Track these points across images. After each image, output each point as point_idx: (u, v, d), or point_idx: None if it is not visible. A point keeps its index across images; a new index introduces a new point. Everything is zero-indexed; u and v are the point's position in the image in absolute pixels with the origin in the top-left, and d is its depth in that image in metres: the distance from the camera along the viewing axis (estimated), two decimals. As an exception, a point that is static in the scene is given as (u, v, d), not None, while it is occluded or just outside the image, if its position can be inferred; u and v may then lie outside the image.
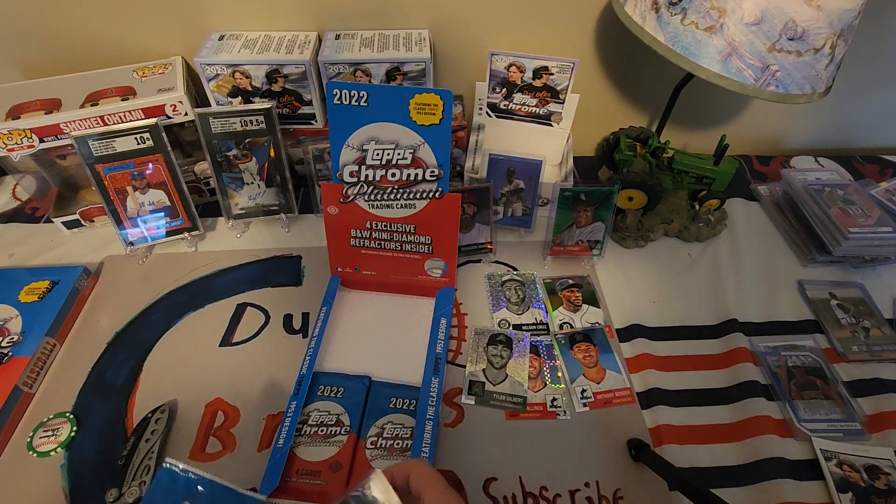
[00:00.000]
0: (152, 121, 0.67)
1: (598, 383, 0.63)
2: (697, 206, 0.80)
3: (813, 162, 0.99)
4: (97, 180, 0.68)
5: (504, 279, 0.75)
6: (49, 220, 0.79)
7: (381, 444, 0.56)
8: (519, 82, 0.77)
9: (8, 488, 0.54)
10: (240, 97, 0.75)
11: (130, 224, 0.73)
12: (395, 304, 0.70)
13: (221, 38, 0.75)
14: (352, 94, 0.56)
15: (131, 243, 0.74)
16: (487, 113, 0.82)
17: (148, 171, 0.70)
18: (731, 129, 0.95)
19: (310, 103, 0.76)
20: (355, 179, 0.62)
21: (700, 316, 0.71)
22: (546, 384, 0.63)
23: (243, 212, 0.78)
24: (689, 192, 0.83)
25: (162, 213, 0.74)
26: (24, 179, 0.78)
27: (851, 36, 0.60)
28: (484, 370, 0.64)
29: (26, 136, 0.67)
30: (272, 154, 0.74)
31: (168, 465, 0.45)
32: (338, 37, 0.76)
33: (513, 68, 0.76)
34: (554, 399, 0.62)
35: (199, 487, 0.45)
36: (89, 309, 0.70)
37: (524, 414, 0.60)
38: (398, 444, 0.56)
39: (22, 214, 0.83)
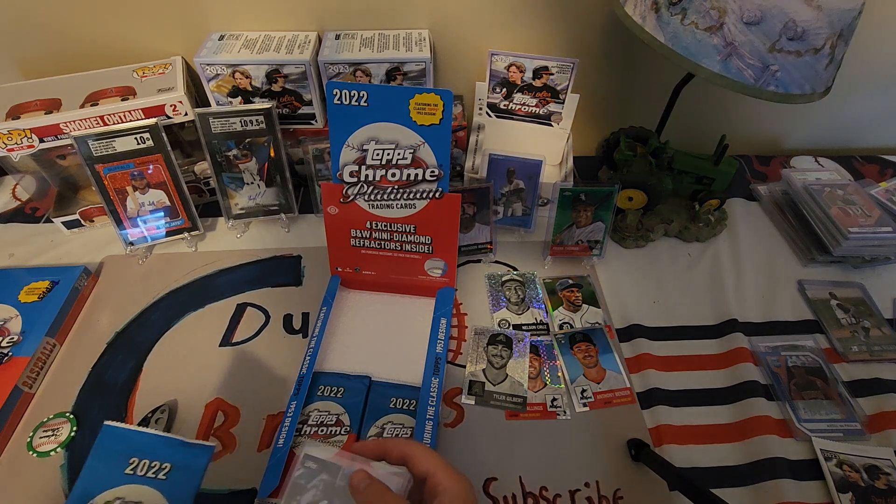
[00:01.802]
0: (152, 121, 0.67)
1: (598, 383, 0.63)
2: (697, 206, 0.80)
3: (813, 162, 0.99)
4: (97, 180, 0.68)
5: (504, 279, 0.75)
6: (49, 220, 0.80)
7: (381, 444, 0.56)
8: (519, 82, 0.77)
9: (8, 488, 0.54)
10: (240, 97, 0.75)
11: (130, 224, 0.73)
12: (395, 304, 0.70)
13: (221, 38, 0.75)
14: (352, 94, 0.56)
15: (131, 243, 0.74)
16: (487, 113, 0.82)
17: (149, 171, 0.70)
18: (731, 129, 0.95)
19: (310, 103, 0.76)
20: (355, 179, 0.62)
21: (700, 316, 0.71)
22: (546, 384, 0.63)
23: (243, 212, 0.78)
24: (689, 192, 0.83)
25: (162, 213, 0.74)
26: (24, 179, 0.78)
27: (851, 36, 0.60)
28: (484, 370, 0.64)
29: (26, 136, 0.67)
30: (272, 154, 0.74)
31: (109, 425, 0.44)
32: (338, 37, 0.76)
33: (513, 68, 0.76)
34: (554, 399, 0.62)
35: (143, 442, 0.44)
36: (89, 309, 0.70)
37: (524, 414, 0.60)
38: (398, 444, 0.56)
39: (22, 214, 0.83)
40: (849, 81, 0.82)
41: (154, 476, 0.42)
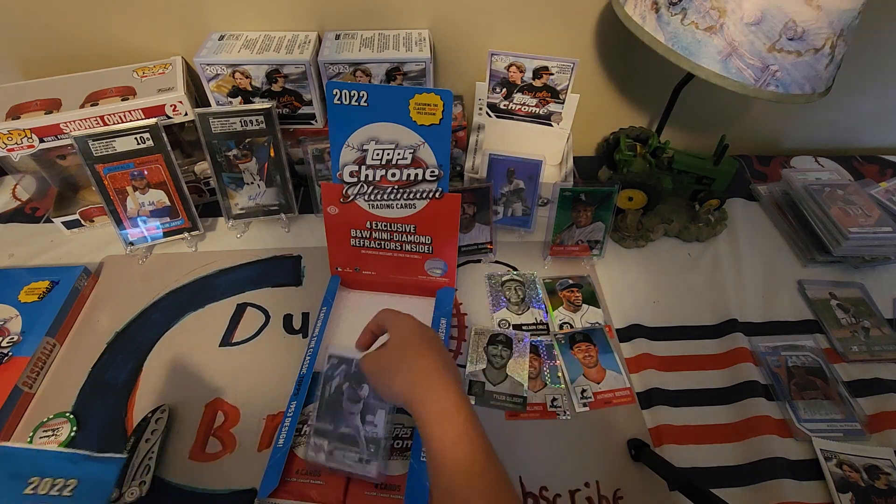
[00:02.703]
0: (152, 121, 0.67)
1: (598, 383, 0.63)
2: (697, 206, 0.80)
3: (813, 162, 0.99)
4: (97, 180, 0.68)
5: (504, 279, 0.75)
6: (49, 220, 0.79)
7: (381, 444, 0.56)
8: (519, 82, 0.77)
9: (8, 488, 0.54)
10: (240, 97, 0.75)
11: (130, 224, 0.73)
12: (395, 304, 0.69)
13: (221, 38, 0.75)
14: (352, 94, 0.56)
15: (131, 243, 0.74)
16: (487, 113, 0.82)
17: (145, 173, 0.70)
18: (731, 129, 0.95)
19: (310, 103, 0.76)
20: (355, 179, 0.62)
21: (700, 316, 0.71)
22: (546, 384, 0.63)
23: (243, 212, 0.78)
24: (689, 192, 0.83)
25: (162, 213, 0.74)
26: (24, 179, 0.78)
27: (851, 36, 0.60)
28: (484, 370, 0.64)
29: (26, 136, 0.67)
30: (272, 154, 0.74)
31: (3, 446, 0.43)
32: (338, 37, 0.76)
33: (513, 68, 0.76)
34: (554, 399, 0.62)
35: (43, 460, 0.42)
36: (89, 309, 0.70)
37: (524, 414, 0.60)
38: (398, 444, 0.56)
39: (22, 214, 0.83)
40: (849, 81, 0.81)
41: (58, 493, 0.41)
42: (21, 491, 0.41)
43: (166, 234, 0.75)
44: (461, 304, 0.72)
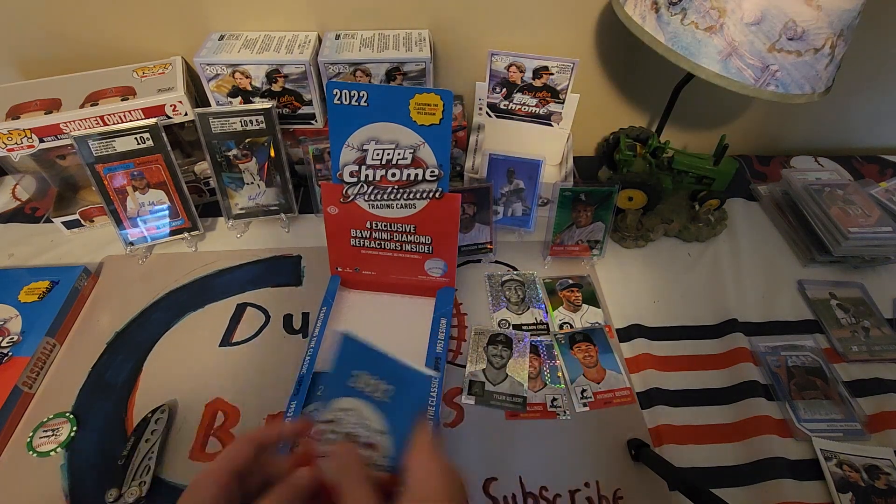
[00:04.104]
0: (152, 121, 0.67)
1: (598, 383, 0.63)
2: (697, 206, 0.80)
3: (813, 162, 0.99)
4: (97, 180, 0.68)
5: (504, 279, 0.75)
6: (49, 220, 0.79)
7: (381, 444, 0.56)
8: (519, 82, 0.77)
9: (8, 488, 0.54)
10: (240, 97, 0.75)
11: (130, 224, 0.73)
12: (395, 304, 0.70)
13: (221, 38, 0.75)
14: (352, 94, 0.56)
15: (131, 243, 0.74)
16: (487, 113, 0.82)
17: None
18: (731, 129, 0.95)
19: (310, 103, 0.76)
20: (355, 179, 0.62)
21: (700, 316, 0.71)
22: (546, 384, 0.63)
23: (243, 212, 0.78)
24: (689, 192, 0.83)
25: (162, 213, 0.74)
26: (24, 179, 0.78)
27: (851, 36, 0.60)
28: (484, 370, 0.64)
29: (26, 136, 0.67)
30: (272, 154, 0.74)
31: (348, 336, 0.43)
32: (338, 37, 0.76)
33: (513, 68, 0.76)
34: (554, 399, 0.62)
35: (369, 359, 0.45)
36: (89, 309, 0.69)
37: (524, 414, 0.60)
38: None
39: (22, 214, 0.83)
40: (849, 81, 0.82)
41: (371, 393, 0.42)
42: (345, 381, 0.42)
43: (166, 234, 0.75)
44: (461, 304, 0.72)
